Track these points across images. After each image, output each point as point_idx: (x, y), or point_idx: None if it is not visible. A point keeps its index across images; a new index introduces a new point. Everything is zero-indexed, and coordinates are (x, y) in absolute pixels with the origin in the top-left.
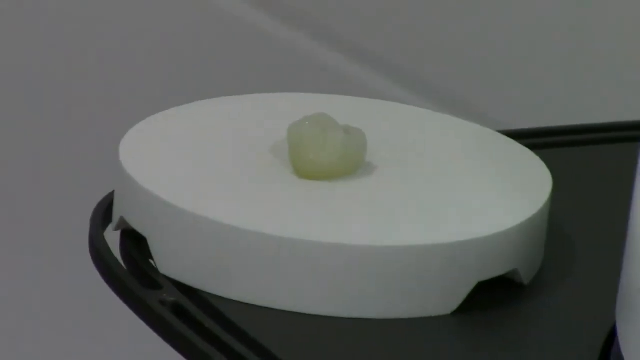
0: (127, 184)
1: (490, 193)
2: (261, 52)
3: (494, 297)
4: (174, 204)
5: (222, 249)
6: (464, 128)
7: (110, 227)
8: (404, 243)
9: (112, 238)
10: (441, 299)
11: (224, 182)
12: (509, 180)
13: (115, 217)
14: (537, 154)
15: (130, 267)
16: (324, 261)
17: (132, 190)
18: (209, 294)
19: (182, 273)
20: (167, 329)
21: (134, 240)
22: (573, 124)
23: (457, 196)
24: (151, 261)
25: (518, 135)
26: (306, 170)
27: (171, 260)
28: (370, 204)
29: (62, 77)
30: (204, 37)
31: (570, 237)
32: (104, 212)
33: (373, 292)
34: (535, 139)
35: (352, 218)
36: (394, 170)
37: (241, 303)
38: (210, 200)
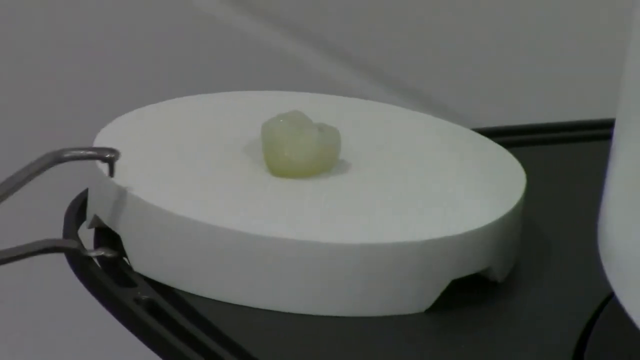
0: (101, 182)
1: (464, 191)
2: (237, 50)
3: (467, 295)
4: (147, 202)
5: (195, 247)
6: (438, 126)
7: (84, 225)
8: (377, 241)
9: (86, 236)
10: (415, 297)
11: (198, 179)
12: (483, 178)
13: (89, 215)
14: (511, 151)
15: (104, 265)
16: (297, 259)
17: (106, 188)
18: (183, 291)
19: (156, 271)
20: (141, 327)
21: (108, 238)
22: (547, 122)
23: (431, 194)
24: (125, 259)
25: (492, 133)
26: (280, 168)
27: (145, 258)
28: (343, 202)
29: (37, 73)
30: (183, 35)
31: (544, 234)
32: (78, 210)
33: (346, 290)
34: (509, 137)
35: (325, 216)
36: (368, 169)
37: (215, 301)
38: (184, 198)
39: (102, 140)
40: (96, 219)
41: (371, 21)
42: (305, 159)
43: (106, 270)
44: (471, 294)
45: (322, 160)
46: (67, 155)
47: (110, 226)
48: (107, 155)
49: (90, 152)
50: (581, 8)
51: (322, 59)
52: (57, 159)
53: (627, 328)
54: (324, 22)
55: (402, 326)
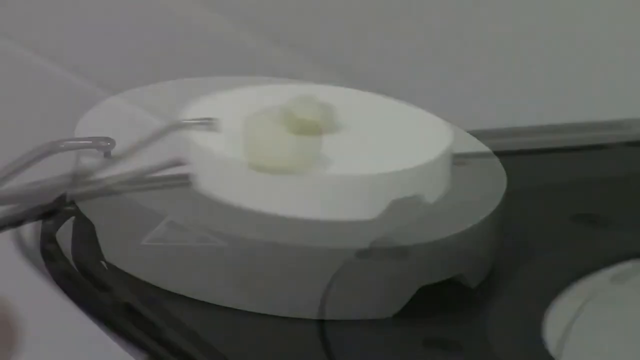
0: (81, 171)
1: (440, 195)
2: (217, 48)
3: (439, 300)
4: (123, 194)
5: (168, 244)
6: (423, 120)
7: (62, 227)
8: (345, 245)
9: (64, 239)
10: (383, 301)
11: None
12: (461, 182)
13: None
14: (496, 155)
15: (81, 268)
16: (266, 260)
17: (84, 177)
18: (160, 294)
19: (129, 264)
20: (117, 329)
21: (85, 242)
22: (528, 126)
23: (406, 197)
24: (102, 263)
25: (477, 136)
26: (260, 164)
27: (117, 249)
28: (318, 201)
29: (16, 61)
30: (141, 23)
31: (521, 241)
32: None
33: (314, 293)
34: (490, 140)
35: (297, 216)
36: (348, 167)
37: (191, 302)
38: (159, 193)
39: (82, 129)
40: (74, 207)
41: (354, 24)
42: (284, 155)
43: (83, 273)
44: (443, 299)
45: (302, 156)
46: (63, 145)
47: (85, 214)
48: (103, 144)
49: (85, 142)
50: (568, 13)
51: (296, 58)
52: (54, 149)
53: (603, 333)
54: (308, 25)
55: (368, 331)
